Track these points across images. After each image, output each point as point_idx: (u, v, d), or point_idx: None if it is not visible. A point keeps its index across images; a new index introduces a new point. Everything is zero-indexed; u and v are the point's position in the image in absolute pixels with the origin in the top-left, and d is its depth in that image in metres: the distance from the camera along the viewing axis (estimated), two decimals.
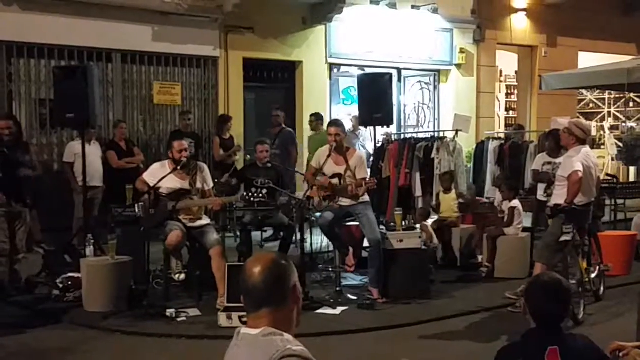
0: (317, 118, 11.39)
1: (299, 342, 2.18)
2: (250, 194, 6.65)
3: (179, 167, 6.71)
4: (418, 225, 7.93)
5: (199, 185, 6.86)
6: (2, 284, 7.24)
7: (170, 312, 6.39)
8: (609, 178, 11.26)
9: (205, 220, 6.91)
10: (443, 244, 8.65)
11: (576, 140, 6.43)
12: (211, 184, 7.05)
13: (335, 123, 7.44)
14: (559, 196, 6.49)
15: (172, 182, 6.73)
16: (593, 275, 6.98)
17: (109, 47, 10.61)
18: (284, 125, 11.26)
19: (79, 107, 7.53)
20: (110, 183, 9.38)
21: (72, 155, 9.17)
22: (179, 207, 6.69)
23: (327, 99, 12.87)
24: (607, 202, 11.43)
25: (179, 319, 6.35)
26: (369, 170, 7.33)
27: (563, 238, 6.36)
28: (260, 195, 6.65)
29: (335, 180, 7.09)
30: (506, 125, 16.60)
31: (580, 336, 3.11)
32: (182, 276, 6.93)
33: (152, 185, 6.65)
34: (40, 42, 10.09)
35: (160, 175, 6.66)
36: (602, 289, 7.17)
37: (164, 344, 5.86)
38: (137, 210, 6.92)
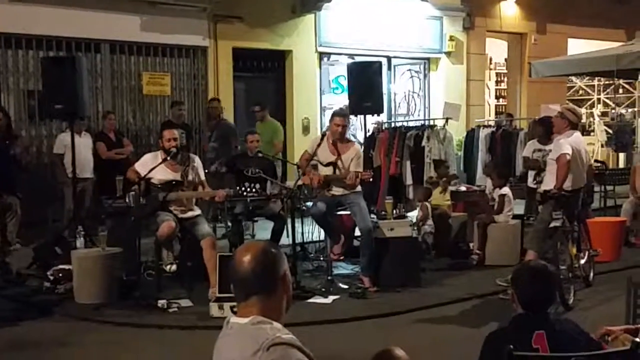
0: (262, 107, 10.49)
1: (289, 330, 2.19)
2: (244, 188, 6.65)
3: (169, 158, 6.69)
4: (412, 213, 7.93)
5: (190, 177, 6.83)
6: None
7: (161, 303, 6.39)
8: (598, 164, 11.31)
9: (197, 211, 6.91)
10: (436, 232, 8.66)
11: (568, 124, 6.50)
12: (203, 176, 7.03)
13: (342, 113, 7.39)
14: (549, 182, 6.53)
15: (164, 173, 6.71)
16: (582, 261, 7.01)
17: (97, 38, 10.55)
18: (222, 117, 10.73)
19: (67, 98, 7.51)
20: (101, 174, 9.36)
21: (63, 146, 9.13)
22: (170, 198, 6.67)
23: (317, 88, 12.86)
24: (597, 188, 11.50)
25: (170, 310, 6.34)
26: (361, 164, 7.31)
27: (552, 224, 6.41)
28: (254, 190, 6.65)
29: (330, 169, 7.08)
30: (496, 113, 16.64)
31: (567, 320, 3.15)
32: (174, 267, 6.93)
33: (143, 175, 6.63)
34: (28, 33, 10.02)
35: (151, 166, 6.64)
36: (591, 274, 7.20)
37: (156, 334, 5.86)
38: (127, 200, 6.91)
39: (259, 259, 2.22)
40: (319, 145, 7.08)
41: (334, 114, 7.31)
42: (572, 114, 6.64)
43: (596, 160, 11.94)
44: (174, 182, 6.72)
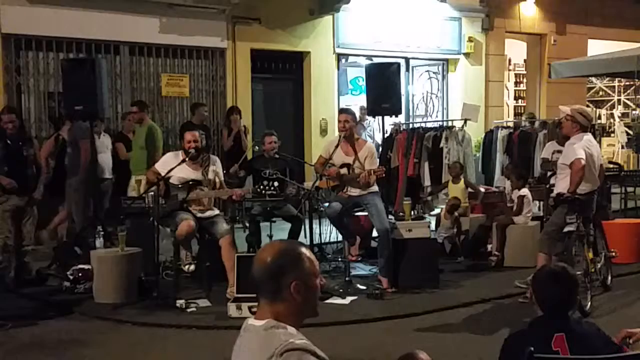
0: (140, 108, 9.42)
1: (307, 330, 2.19)
2: (262, 187, 6.68)
3: (187, 158, 6.73)
4: (429, 216, 7.93)
5: (210, 176, 6.89)
6: (4, 278, 7.27)
7: (180, 302, 6.42)
8: (613, 166, 11.19)
9: (215, 211, 6.94)
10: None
11: (579, 127, 6.38)
12: (222, 176, 7.08)
13: (345, 110, 7.43)
14: (561, 185, 6.42)
15: (185, 172, 6.77)
16: (599, 265, 6.83)
17: (116, 40, 10.63)
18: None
19: (87, 99, 7.56)
20: (120, 175, 9.41)
21: None
22: (190, 197, 6.71)
23: (334, 89, 12.85)
24: (617, 190, 11.39)
25: (188, 310, 6.37)
26: (377, 161, 7.31)
27: (567, 228, 6.27)
28: (272, 188, 6.67)
29: (344, 170, 7.09)
30: (515, 114, 16.55)
31: (588, 323, 3.12)
32: (192, 267, 6.94)
33: (163, 174, 6.68)
34: (49, 35, 10.12)
35: (172, 165, 6.69)
36: (609, 277, 7.06)
37: (174, 334, 5.88)
38: (146, 201, 6.95)
39: (266, 263, 2.23)
40: (336, 147, 7.07)
41: (338, 113, 7.35)
42: (583, 116, 6.41)
43: (610, 162, 11.81)
44: (192, 182, 6.77)
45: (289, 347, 2.08)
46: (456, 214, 8.52)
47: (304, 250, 2.29)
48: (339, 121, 7.12)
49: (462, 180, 8.95)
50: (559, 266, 3.11)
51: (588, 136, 6.46)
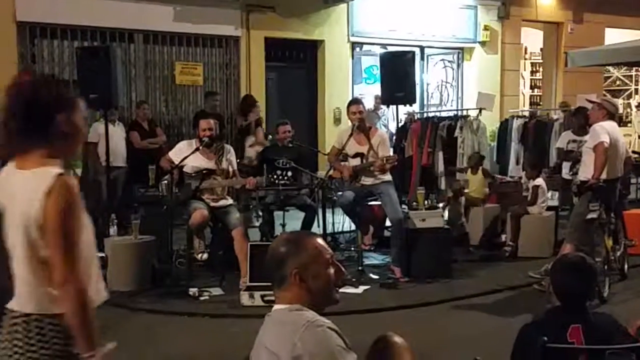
0: None
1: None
2: (275, 176, 6.67)
3: (201, 146, 6.73)
4: (440, 205, 7.91)
5: (224, 165, 6.88)
6: None
7: (193, 291, 6.44)
8: (636, 155, 11.07)
9: (229, 201, 6.94)
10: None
11: (607, 114, 6.35)
12: (236, 166, 7.08)
13: (356, 101, 7.41)
14: (586, 172, 6.38)
15: (198, 161, 6.76)
16: (618, 254, 6.89)
17: (131, 28, 10.64)
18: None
19: (101, 87, 7.56)
20: (134, 163, 9.44)
21: (97, 135, 9.19)
22: (203, 186, 6.71)
23: (349, 78, 12.80)
24: (633, 180, 11.28)
25: (201, 298, 6.39)
26: (391, 150, 7.29)
27: (589, 216, 6.26)
28: (286, 177, 6.66)
29: (357, 160, 7.06)
30: (531, 104, 16.41)
31: (604, 314, 3.09)
32: (205, 256, 6.96)
33: (176, 163, 6.68)
34: (63, 23, 10.13)
35: (186, 153, 6.69)
36: (626, 266, 7.08)
37: (187, 322, 5.91)
38: (160, 189, 6.96)
39: (271, 253, 2.35)
40: (349, 137, 7.04)
41: (348, 104, 7.33)
42: (611, 104, 6.50)
43: (634, 151, 11.69)
44: (206, 171, 6.77)
45: (316, 323, 2.20)
46: (462, 199, 8.47)
47: (311, 239, 2.36)
48: (353, 112, 7.07)
49: (481, 170, 8.88)
50: (578, 256, 3.08)
51: (614, 123, 6.43)
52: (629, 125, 17.55)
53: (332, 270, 2.34)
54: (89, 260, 2.33)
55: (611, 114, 6.39)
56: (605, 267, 6.34)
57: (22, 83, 2.36)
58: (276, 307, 2.33)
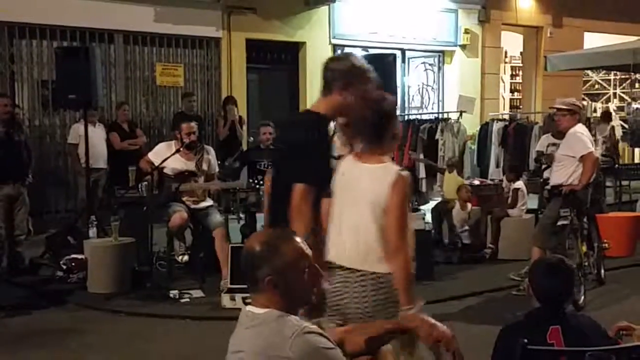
0: None
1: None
2: (256, 181, 6.65)
3: (182, 148, 6.69)
4: (424, 206, 7.92)
5: (204, 167, 6.85)
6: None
7: (173, 293, 6.41)
8: (606, 159, 11.17)
9: (209, 202, 6.91)
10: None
11: (579, 118, 6.35)
12: (216, 168, 7.05)
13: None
14: (559, 177, 6.36)
15: (178, 163, 6.72)
16: (592, 259, 6.78)
17: (111, 28, 10.54)
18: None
19: (81, 88, 7.49)
20: (114, 165, 9.37)
21: (77, 136, 9.13)
22: (182, 189, 6.67)
23: None
24: (611, 183, 11.39)
25: (182, 300, 6.36)
26: None
27: (560, 222, 6.22)
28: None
29: None
30: (511, 107, 16.52)
31: (583, 316, 3.12)
32: (186, 258, 6.94)
33: (156, 164, 6.63)
34: (42, 23, 10.02)
35: (165, 155, 6.65)
36: (602, 270, 6.96)
37: (168, 324, 5.87)
38: (140, 190, 6.92)
39: (245, 254, 2.24)
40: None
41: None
42: (577, 106, 6.34)
43: (604, 155, 11.80)
44: (187, 172, 6.73)
45: (307, 330, 2.14)
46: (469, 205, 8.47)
47: (289, 243, 2.21)
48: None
49: (455, 171, 8.92)
50: (556, 258, 3.11)
51: (583, 126, 6.44)
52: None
53: (309, 276, 2.22)
54: (410, 238, 3.12)
55: (581, 117, 6.37)
56: (580, 273, 6.15)
57: (380, 100, 3.33)
58: (251, 309, 2.21)
